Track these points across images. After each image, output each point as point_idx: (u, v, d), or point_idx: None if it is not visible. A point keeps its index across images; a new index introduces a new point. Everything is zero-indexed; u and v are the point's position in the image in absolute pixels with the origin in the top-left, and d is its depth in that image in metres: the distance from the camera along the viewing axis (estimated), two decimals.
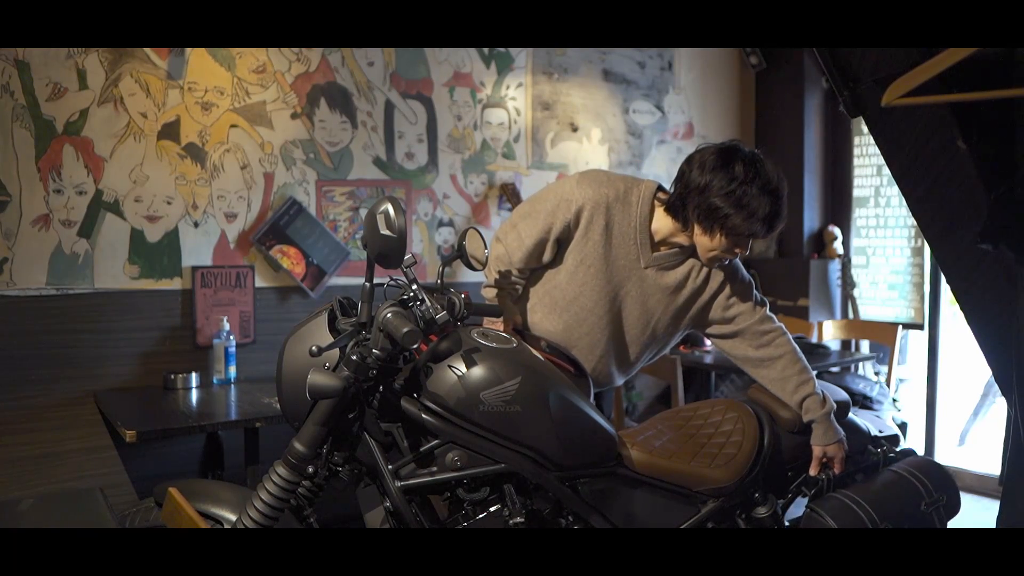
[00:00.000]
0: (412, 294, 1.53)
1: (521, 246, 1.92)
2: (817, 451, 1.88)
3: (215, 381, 2.79)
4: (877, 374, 3.76)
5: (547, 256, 1.94)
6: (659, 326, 1.97)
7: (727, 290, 1.95)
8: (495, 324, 1.93)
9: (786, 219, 1.85)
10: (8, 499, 2.38)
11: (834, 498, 1.83)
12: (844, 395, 2.04)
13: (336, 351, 1.50)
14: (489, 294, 1.98)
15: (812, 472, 1.89)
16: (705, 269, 1.94)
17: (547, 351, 1.92)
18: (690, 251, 1.93)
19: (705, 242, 1.84)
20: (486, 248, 1.80)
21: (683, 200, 1.83)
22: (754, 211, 1.76)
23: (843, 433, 1.88)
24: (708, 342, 3.68)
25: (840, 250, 4.24)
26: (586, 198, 1.88)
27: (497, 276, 1.96)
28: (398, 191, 3.29)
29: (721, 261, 1.89)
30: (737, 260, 1.98)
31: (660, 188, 1.94)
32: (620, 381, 2.08)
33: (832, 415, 1.87)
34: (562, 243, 1.92)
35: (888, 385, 3.67)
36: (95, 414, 2.67)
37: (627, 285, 1.93)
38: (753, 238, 1.84)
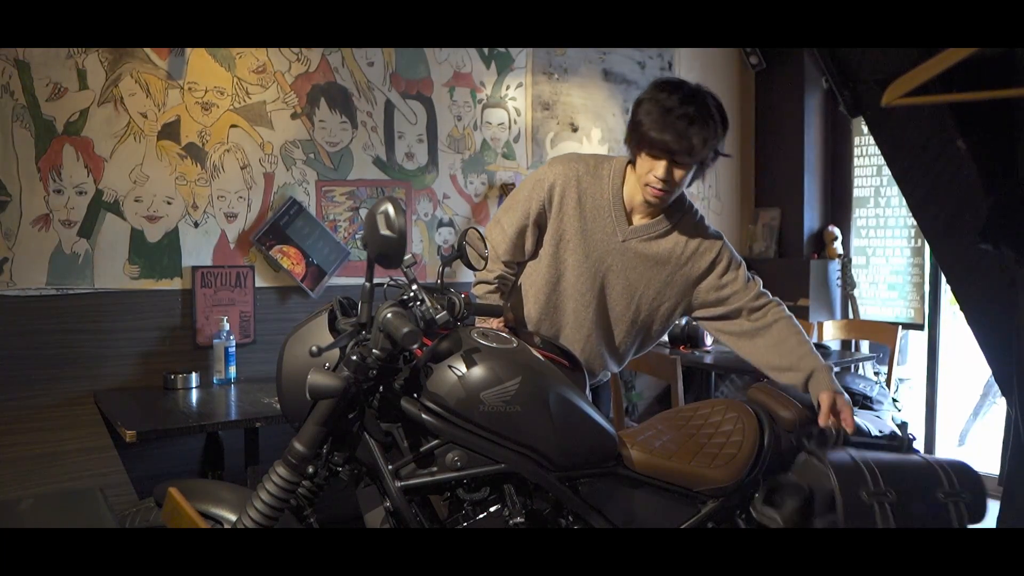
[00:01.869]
0: (412, 294, 1.54)
1: (505, 238, 1.96)
2: (826, 396, 1.77)
3: (215, 381, 2.79)
4: (877, 374, 3.76)
5: (529, 245, 1.97)
6: (643, 301, 1.97)
7: (718, 270, 1.95)
8: (488, 323, 1.94)
9: (718, 136, 1.80)
10: (8, 499, 2.38)
11: (842, 451, 1.71)
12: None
13: (336, 351, 1.50)
14: (480, 291, 1.99)
15: (821, 422, 1.76)
16: (691, 245, 1.93)
17: (541, 347, 1.92)
18: (670, 222, 1.94)
19: (640, 170, 1.85)
20: (486, 248, 1.81)
21: (627, 140, 1.89)
22: (670, 109, 1.76)
23: (839, 387, 1.82)
24: (708, 341, 3.69)
25: (840, 250, 4.24)
26: (556, 175, 1.93)
27: (487, 273, 1.98)
28: (398, 191, 3.29)
29: (654, 190, 1.83)
30: (726, 243, 1.96)
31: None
32: (613, 368, 2.08)
33: (832, 371, 1.83)
34: (541, 228, 1.95)
35: (888, 385, 3.66)
36: (95, 414, 2.66)
37: (608, 260, 1.94)
38: (672, 150, 1.77)
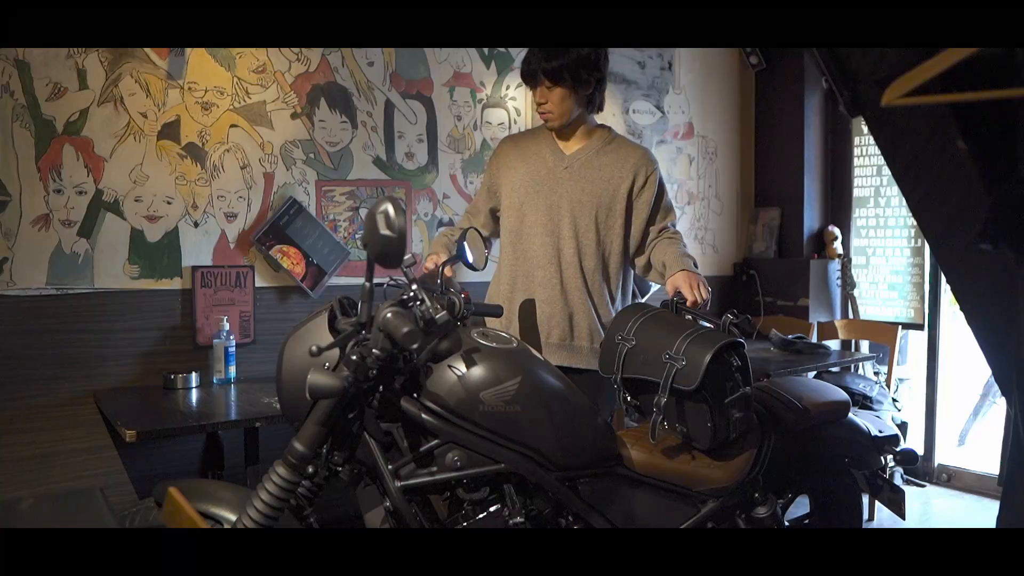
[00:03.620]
0: (412, 294, 1.54)
1: (472, 204, 2.45)
2: (668, 289, 2.07)
3: (215, 381, 2.79)
4: (877, 374, 3.76)
5: (490, 203, 2.35)
6: (600, 214, 2.22)
7: (648, 186, 2.25)
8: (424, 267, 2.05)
9: (578, 61, 2.11)
10: (8, 499, 2.38)
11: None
12: (844, 395, 2.04)
13: (336, 351, 1.51)
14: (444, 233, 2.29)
15: (668, 291, 2.06)
16: (630, 161, 2.23)
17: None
18: (602, 141, 2.27)
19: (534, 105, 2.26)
20: (486, 250, 1.81)
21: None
22: (534, 50, 2.15)
23: (691, 266, 2.11)
24: None
25: (840, 250, 4.24)
26: (499, 146, 2.41)
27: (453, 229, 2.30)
28: (398, 191, 3.29)
29: (543, 114, 2.22)
30: (657, 167, 2.29)
31: None
32: (599, 308, 2.26)
33: (686, 260, 2.14)
34: (498, 195, 2.32)
35: (888, 385, 3.66)
36: (95, 414, 2.66)
37: (558, 187, 2.23)
38: (535, 74, 2.15)
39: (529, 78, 2.18)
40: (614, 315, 2.25)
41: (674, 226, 2.30)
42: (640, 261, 2.30)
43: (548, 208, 2.22)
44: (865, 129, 4.10)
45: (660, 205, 2.28)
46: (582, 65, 2.13)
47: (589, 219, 2.21)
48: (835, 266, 4.21)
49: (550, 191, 2.23)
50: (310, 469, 1.51)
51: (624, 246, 2.27)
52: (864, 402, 3.42)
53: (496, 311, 1.87)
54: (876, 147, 3.89)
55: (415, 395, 1.57)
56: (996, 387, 4.00)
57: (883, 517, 3.44)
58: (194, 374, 2.72)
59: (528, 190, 2.25)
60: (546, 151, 2.28)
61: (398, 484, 1.55)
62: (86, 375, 2.67)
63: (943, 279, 3.81)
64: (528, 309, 2.22)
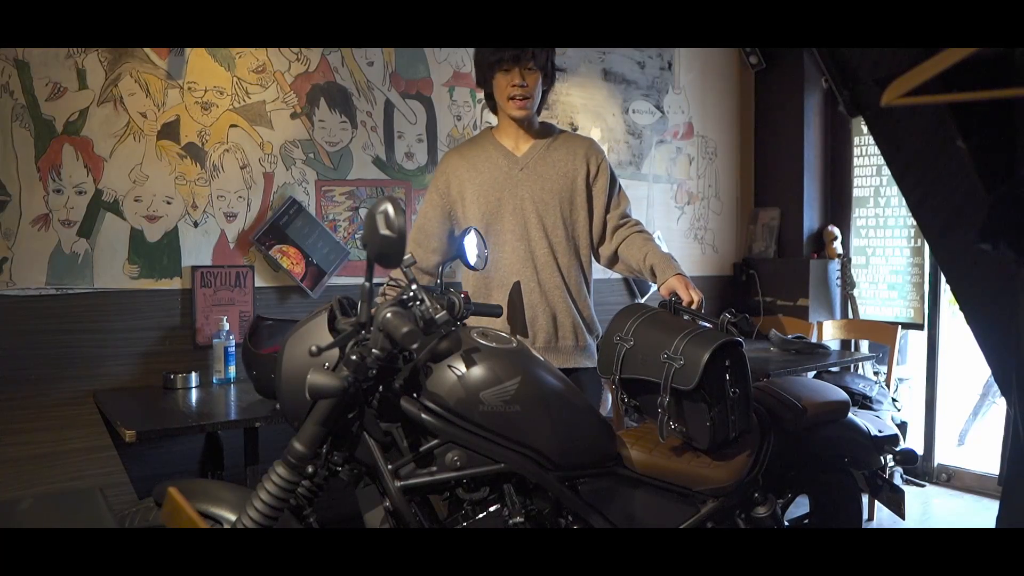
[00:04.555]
0: (412, 294, 1.54)
1: (417, 228, 2.31)
2: (663, 292, 2.09)
3: (215, 381, 2.79)
4: (877, 374, 3.76)
5: (448, 224, 2.29)
6: (563, 209, 2.24)
7: (601, 176, 2.28)
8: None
9: (547, 49, 2.15)
10: (8, 499, 2.38)
11: None
12: (844, 395, 2.04)
13: (336, 351, 1.50)
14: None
15: (664, 294, 2.09)
16: (580, 153, 2.26)
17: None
18: (551, 137, 2.28)
19: (500, 90, 2.20)
20: (486, 248, 1.81)
21: (481, 83, 2.27)
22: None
23: (681, 268, 2.13)
24: None
25: (840, 250, 4.24)
26: (439, 167, 2.35)
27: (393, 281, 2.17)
28: (398, 191, 3.29)
29: (518, 100, 2.17)
30: (605, 156, 2.31)
31: None
32: (575, 308, 2.27)
33: (672, 261, 2.16)
34: (452, 212, 2.29)
35: (888, 385, 3.66)
36: (95, 414, 2.66)
37: (519, 190, 2.23)
38: (517, 56, 2.12)
39: (511, 61, 2.13)
40: (591, 308, 2.28)
41: (631, 213, 2.34)
42: (605, 251, 2.31)
43: (513, 212, 2.22)
44: (865, 129, 4.10)
45: (614, 191, 2.31)
46: (551, 59, 2.22)
47: (555, 215, 2.23)
48: (835, 266, 4.21)
49: (511, 195, 2.23)
50: (310, 469, 1.51)
51: (590, 236, 2.30)
52: (864, 402, 3.42)
53: (496, 311, 1.86)
54: (876, 147, 3.89)
55: (415, 395, 1.57)
56: (996, 387, 4.01)
57: (883, 517, 3.44)
58: (194, 374, 2.72)
59: (489, 198, 2.23)
60: (497, 156, 2.26)
61: (398, 484, 1.55)
62: (86, 375, 2.67)
63: (943, 279, 3.81)
64: (509, 315, 2.21)
